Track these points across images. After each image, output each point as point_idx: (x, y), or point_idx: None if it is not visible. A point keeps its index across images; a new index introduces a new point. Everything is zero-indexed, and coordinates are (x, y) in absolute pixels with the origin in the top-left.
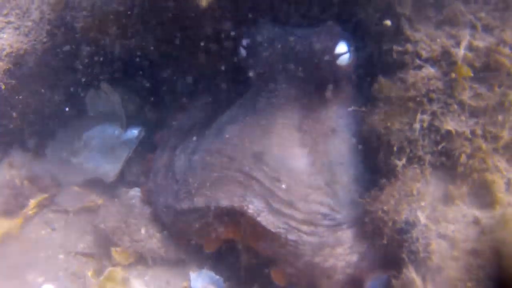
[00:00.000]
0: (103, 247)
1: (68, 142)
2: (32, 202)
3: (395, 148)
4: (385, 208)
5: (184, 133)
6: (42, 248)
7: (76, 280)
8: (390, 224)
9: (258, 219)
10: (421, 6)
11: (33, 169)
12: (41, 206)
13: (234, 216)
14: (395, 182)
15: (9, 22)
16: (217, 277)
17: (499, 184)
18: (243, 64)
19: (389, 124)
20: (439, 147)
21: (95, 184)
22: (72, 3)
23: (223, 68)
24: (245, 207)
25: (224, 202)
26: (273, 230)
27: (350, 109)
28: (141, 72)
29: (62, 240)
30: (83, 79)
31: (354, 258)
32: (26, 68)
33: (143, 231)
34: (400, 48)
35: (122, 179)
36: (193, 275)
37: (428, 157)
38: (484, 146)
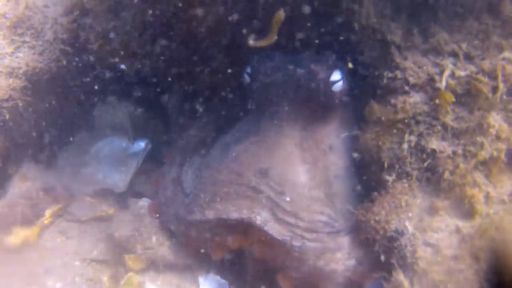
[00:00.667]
0: (117, 254)
1: (77, 154)
2: (48, 212)
3: (385, 165)
4: (377, 218)
5: (190, 151)
6: (58, 256)
7: (93, 285)
8: (381, 232)
9: (265, 228)
10: (409, 35)
11: (47, 180)
12: (55, 215)
13: (243, 227)
14: (386, 195)
15: (24, 42)
16: (223, 281)
17: (478, 197)
18: (247, 89)
19: (380, 143)
20: (425, 164)
21: (106, 194)
22: (84, 25)
23: (228, 89)
24: (253, 218)
25: (234, 215)
26: (279, 237)
27: (343, 135)
28: (148, 88)
29: (77, 248)
30: (92, 94)
31: (352, 262)
32: (41, 85)
33: (154, 239)
34: (390, 74)
35: (131, 189)
36: (201, 279)
37: (415, 173)
38: (463, 165)
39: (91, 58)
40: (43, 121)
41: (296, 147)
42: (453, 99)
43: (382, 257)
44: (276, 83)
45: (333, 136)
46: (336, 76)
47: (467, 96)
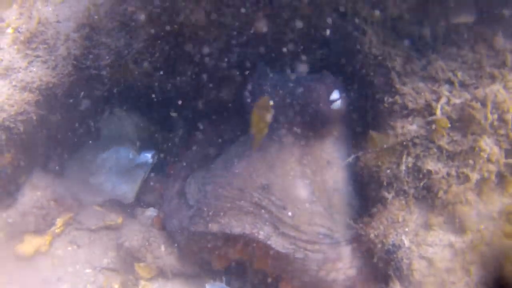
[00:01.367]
0: (127, 262)
1: (85, 165)
2: (59, 221)
3: (384, 183)
4: (375, 232)
5: (194, 165)
6: (69, 263)
7: None
8: (379, 246)
9: (269, 242)
10: (408, 62)
11: (56, 189)
12: (66, 224)
13: (244, 240)
14: (384, 210)
15: (37, 56)
16: None
17: (470, 215)
18: (247, 106)
19: (379, 163)
20: (421, 183)
21: (114, 203)
22: (96, 41)
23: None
24: (256, 234)
25: (237, 230)
26: (282, 250)
27: (344, 163)
28: (155, 102)
29: (87, 256)
30: (101, 106)
31: (353, 272)
32: (54, 99)
33: (162, 248)
34: (390, 99)
35: (137, 199)
36: (208, 286)
37: (412, 191)
38: (456, 185)
39: (103, 73)
40: (54, 132)
41: (296, 163)
42: (448, 125)
43: (381, 269)
44: (277, 100)
45: (331, 152)
46: (334, 95)
47: (461, 121)
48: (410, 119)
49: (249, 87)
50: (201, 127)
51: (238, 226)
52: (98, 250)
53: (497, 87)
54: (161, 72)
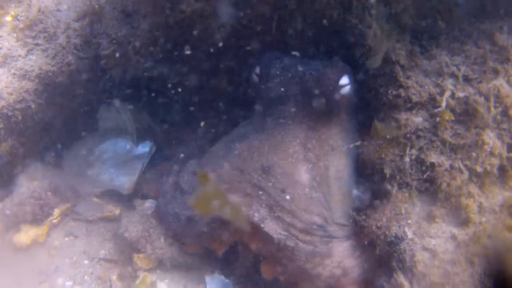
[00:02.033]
0: (125, 253)
1: (82, 155)
2: (56, 211)
3: (387, 175)
4: (378, 224)
5: (188, 159)
6: (67, 254)
7: (102, 283)
8: (382, 237)
9: (262, 225)
10: (413, 56)
11: (54, 180)
12: (63, 215)
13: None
14: (387, 203)
15: (37, 44)
16: (227, 280)
17: (472, 207)
18: (254, 88)
19: (383, 155)
20: (424, 176)
21: (111, 194)
22: (97, 30)
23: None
24: (251, 216)
25: None
26: (274, 236)
27: (346, 147)
28: (154, 93)
29: (85, 247)
30: (99, 96)
31: (338, 271)
32: (53, 88)
33: (162, 239)
34: (394, 92)
35: (136, 190)
36: (207, 278)
37: (415, 184)
38: (460, 177)
39: (103, 63)
40: (52, 122)
41: (300, 146)
42: (452, 118)
43: (383, 260)
44: (285, 84)
45: (337, 138)
46: (344, 80)
47: (465, 115)
48: (414, 112)
49: (257, 70)
50: (201, 119)
51: None
52: (96, 241)
53: (500, 81)
54: (163, 63)
